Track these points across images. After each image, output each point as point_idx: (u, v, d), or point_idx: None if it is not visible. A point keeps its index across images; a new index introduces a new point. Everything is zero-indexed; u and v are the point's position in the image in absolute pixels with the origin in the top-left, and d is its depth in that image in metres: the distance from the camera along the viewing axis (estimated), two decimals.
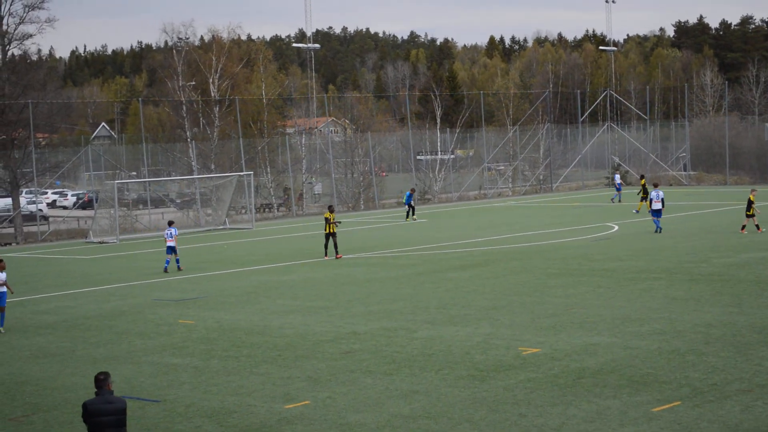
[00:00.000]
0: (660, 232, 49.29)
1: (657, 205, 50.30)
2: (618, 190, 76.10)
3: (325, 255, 45.10)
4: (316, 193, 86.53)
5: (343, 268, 42.00)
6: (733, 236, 46.87)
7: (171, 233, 43.43)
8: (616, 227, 53.69)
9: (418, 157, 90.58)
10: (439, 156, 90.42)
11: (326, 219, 45.37)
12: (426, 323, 28.36)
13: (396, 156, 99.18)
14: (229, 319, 30.63)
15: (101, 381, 14.92)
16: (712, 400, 19.39)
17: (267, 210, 79.55)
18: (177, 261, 43.49)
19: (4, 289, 28.54)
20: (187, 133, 76.32)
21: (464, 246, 48.48)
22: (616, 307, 29.56)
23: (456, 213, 72.19)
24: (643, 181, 63.44)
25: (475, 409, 19.57)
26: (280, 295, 35.12)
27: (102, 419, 14.67)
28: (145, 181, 73.54)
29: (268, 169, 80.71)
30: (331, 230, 45.10)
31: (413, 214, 66.08)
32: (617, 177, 78.41)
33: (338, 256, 44.91)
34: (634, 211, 61.63)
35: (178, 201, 79.50)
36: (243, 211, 74.35)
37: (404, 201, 68.61)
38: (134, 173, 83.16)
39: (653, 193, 50.76)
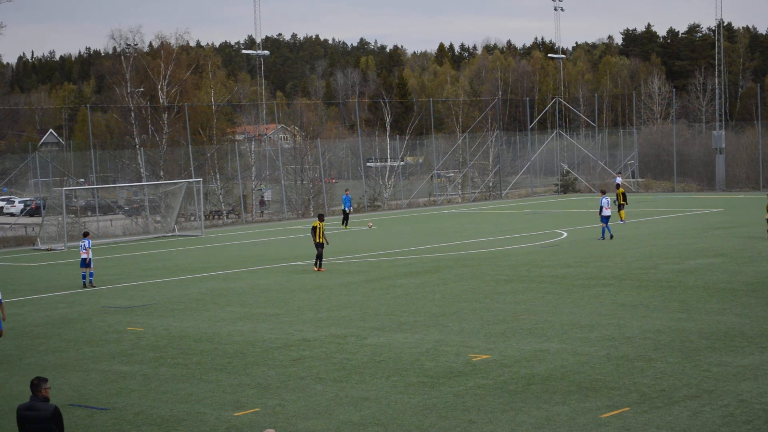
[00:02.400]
0: (611, 238, 49.46)
1: (607, 212, 50.54)
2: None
3: (320, 267, 42.80)
4: (266, 200, 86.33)
5: (293, 275, 41.88)
6: (681, 243, 47.20)
7: (84, 245, 40.70)
8: (566, 234, 53.93)
9: (368, 164, 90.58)
10: (389, 163, 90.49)
11: (314, 228, 43.25)
12: (376, 330, 28.35)
13: (346, 163, 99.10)
14: (178, 326, 30.46)
15: (34, 386, 14.81)
16: (661, 406, 19.51)
17: (216, 217, 79.25)
18: (90, 275, 40.78)
19: None
20: (136, 140, 75.93)
21: (414, 253, 48.50)
22: (566, 313, 29.68)
23: (405, 220, 72.24)
24: (621, 190, 62.51)
25: (425, 415, 19.58)
26: (229, 302, 34.96)
27: (26, 426, 14.55)
28: (93, 188, 73.03)
29: (218, 176, 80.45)
30: (320, 240, 42.84)
31: (346, 223, 65.63)
32: (618, 180, 78.35)
33: (320, 269, 42.61)
34: (620, 222, 59.45)
35: (127, 208, 79.04)
36: (192, 218, 74.01)
37: (344, 206, 67.33)
38: (82, 180, 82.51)
39: (603, 200, 50.95)
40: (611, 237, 49.75)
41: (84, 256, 40.56)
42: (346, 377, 22.90)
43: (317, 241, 42.85)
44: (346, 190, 69.48)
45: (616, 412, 19.24)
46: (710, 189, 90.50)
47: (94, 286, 40.60)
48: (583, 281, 35.98)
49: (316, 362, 24.58)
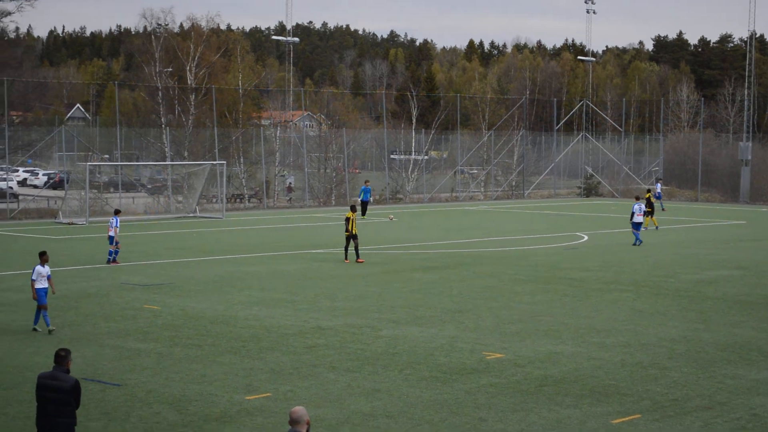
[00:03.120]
0: (639, 244, 49.23)
1: (638, 218, 50.35)
2: (658, 198, 75.40)
3: (345, 258, 42.28)
4: (288, 185, 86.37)
5: (312, 262, 41.93)
6: (701, 253, 47.05)
7: (111, 223, 40.89)
8: (586, 237, 53.81)
9: (392, 156, 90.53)
10: (413, 156, 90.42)
11: (347, 219, 42.27)
12: (391, 322, 28.36)
13: (370, 154, 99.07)
14: (194, 307, 30.53)
15: (61, 358, 14.88)
16: (672, 415, 19.47)
17: (238, 201, 79.36)
18: (110, 252, 40.81)
19: (47, 285, 27.15)
20: (162, 119, 76.03)
21: (433, 247, 48.49)
22: (582, 316, 29.63)
23: (427, 214, 72.20)
24: (648, 195, 62.06)
25: (436, 410, 19.58)
26: (247, 286, 35.02)
27: (45, 395, 14.62)
28: (117, 165, 73.22)
29: (242, 160, 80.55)
30: (353, 231, 41.99)
31: (363, 213, 65.44)
32: (658, 186, 78.16)
33: (359, 260, 41.92)
34: (653, 228, 58.41)
35: (150, 186, 79.20)
36: (214, 200, 74.12)
37: (361, 198, 67.05)
38: (107, 156, 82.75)
39: (635, 206, 50.76)
40: (639, 243, 49.42)
41: (110, 233, 40.61)
42: (359, 368, 22.91)
43: (354, 232, 42.05)
44: (366, 181, 69.39)
45: (627, 418, 19.20)
46: (734, 200, 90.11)
47: (117, 263, 40.53)
48: (602, 286, 35.90)
49: (330, 351, 24.60)
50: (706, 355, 24.57)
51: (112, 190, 75.05)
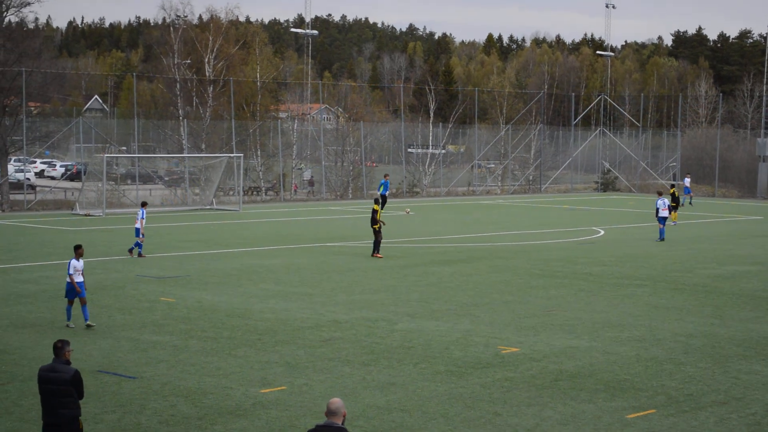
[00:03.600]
0: (661, 240, 49.09)
1: (664, 213, 50.21)
2: (687, 193, 75.33)
3: (376, 253, 41.60)
4: (305, 179, 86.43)
5: (328, 256, 41.95)
6: (718, 248, 46.94)
7: (665, 203, 44.79)
8: (603, 232, 53.71)
9: (409, 150, 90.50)
10: (430, 150, 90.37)
11: (374, 211, 41.66)
12: (407, 316, 28.37)
13: (387, 147, 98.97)
14: (210, 299, 30.58)
15: (58, 349, 14.89)
16: (687, 410, 19.44)
17: (255, 193, 79.43)
18: (136, 245, 40.69)
19: (82, 278, 26.41)
20: (180, 111, 76.14)
21: (449, 241, 48.47)
22: (598, 311, 29.60)
23: (444, 208, 72.19)
24: (672, 190, 61.95)
25: (451, 404, 19.59)
26: (263, 279, 35.06)
27: (46, 387, 14.67)
28: (134, 157, 73.37)
29: (259, 153, 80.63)
30: (377, 226, 41.39)
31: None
32: (687, 180, 77.95)
33: (377, 254, 41.36)
34: (672, 224, 57.50)
35: (167, 178, 79.35)
36: (231, 192, 74.22)
37: (380, 191, 66.69)
38: (124, 148, 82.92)
39: (659, 202, 50.63)
40: (662, 239, 49.29)
41: (137, 225, 40.60)
42: (375, 361, 22.93)
43: (375, 227, 41.43)
44: (385, 175, 69.34)
45: (642, 413, 19.18)
46: (751, 196, 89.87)
47: (142, 256, 40.35)
48: (618, 280, 35.84)
49: (346, 344, 24.62)
50: (722, 351, 24.53)
51: (129, 182, 75.22)
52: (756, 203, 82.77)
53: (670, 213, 51.04)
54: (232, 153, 70.81)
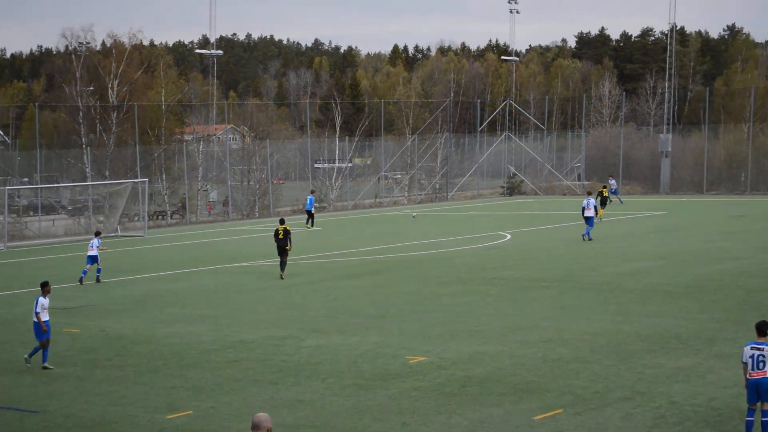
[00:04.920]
0: (587, 239, 49.42)
1: (588, 213, 50.47)
2: (614, 193, 75.69)
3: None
4: (210, 200, 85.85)
5: (235, 276, 41.63)
6: (623, 245, 47.40)
7: (93, 243, 41.57)
8: (509, 236, 53.97)
9: (316, 165, 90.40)
10: (337, 164, 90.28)
11: (288, 231, 40.54)
12: (314, 332, 28.24)
13: (293, 164, 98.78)
14: (115, 327, 30.18)
15: None
16: (594, 408, 19.56)
17: (160, 217, 78.69)
18: (95, 270, 41.36)
19: (48, 317, 25.29)
20: (83, 139, 75.28)
21: (357, 254, 48.39)
22: (505, 315, 29.71)
23: (351, 221, 72.07)
24: (603, 190, 62.69)
25: (359, 418, 19.53)
26: (168, 303, 34.69)
27: None
28: (37, 188, 72.29)
29: (164, 176, 79.91)
30: (289, 247, 40.40)
31: (311, 223, 65.15)
32: (613, 182, 78.55)
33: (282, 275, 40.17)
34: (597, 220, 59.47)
35: (70, 208, 78.30)
36: (136, 218, 73.44)
37: (306, 207, 66.62)
38: (26, 179, 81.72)
39: (584, 201, 51.02)
40: (589, 239, 49.64)
41: (91, 253, 41.19)
42: (282, 379, 22.79)
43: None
44: (312, 191, 69.22)
45: (549, 413, 19.27)
46: (654, 192, 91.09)
47: (100, 281, 41.04)
48: (525, 283, 36.04)
49: (253, 364, 24.45)
50: (627, 347, 24.74)
51: (31, 213, 74.06)
52: (659, 198, 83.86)
53: (595, 212, 51.32)
54: (137, 178, 70.15)
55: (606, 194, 64.25)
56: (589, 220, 50.41)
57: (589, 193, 54.47)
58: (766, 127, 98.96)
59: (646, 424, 18.46)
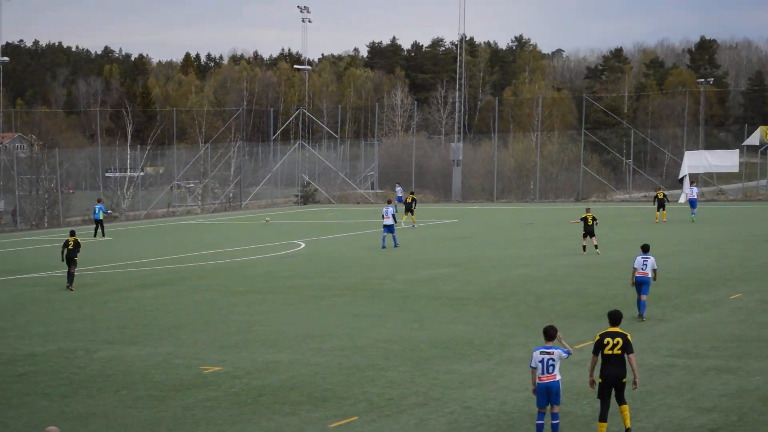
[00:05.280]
0: (395, 245, 49.88)
1: (387, 221, 50.33)
2: (399, 201, 75.07)
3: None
4: (2, 210, 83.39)
5: (23, 288, 40.52)
6: (416, 253, 47.98)
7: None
8: (303, 245, 54.01)
9: (107, 174, 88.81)
10: (128, 173, 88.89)
11: (67, 243, 39.47)
12: (106, 343, 27.73)
13: (84, 173, 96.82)
14: None
15: None
16: (389, 414, 19.73)
17: None
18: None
19: None
20: None
21: (149, 264, 47.70)
22: (300, 324, 29.73)
23: (143, 231, 71.06)
24: (410, 198, 63.22)
25: (153, 429, 19.33)
26: None
27: None
28: None
29: None
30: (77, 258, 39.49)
31: (101, 233, 63.90)
32: (399, 189, 78.60)
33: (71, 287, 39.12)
34: (411, 226, 60.95)
35: None
36: None
37: (95, 217, 65.19)
38: None
39: (384, 210, 51.16)
40: (395, 245, 50.02)
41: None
42: (73, 392, 22.32)
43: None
44: (99, 200, 67.65)
45: (344, 421, 19.36)
46: (447, 200, 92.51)
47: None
48: (319, 292, 36.11)
49: (43, 377, 23.87)
50: (421, 353, 25.03)
51: None
52: (451, 206, 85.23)
53: (394, 221, 51.58)
54: None
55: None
56: (389, 228, 50.79)
57: (389, 202, 54.84)
58: (554, 136, 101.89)
59: (440, 429, 18.72)
